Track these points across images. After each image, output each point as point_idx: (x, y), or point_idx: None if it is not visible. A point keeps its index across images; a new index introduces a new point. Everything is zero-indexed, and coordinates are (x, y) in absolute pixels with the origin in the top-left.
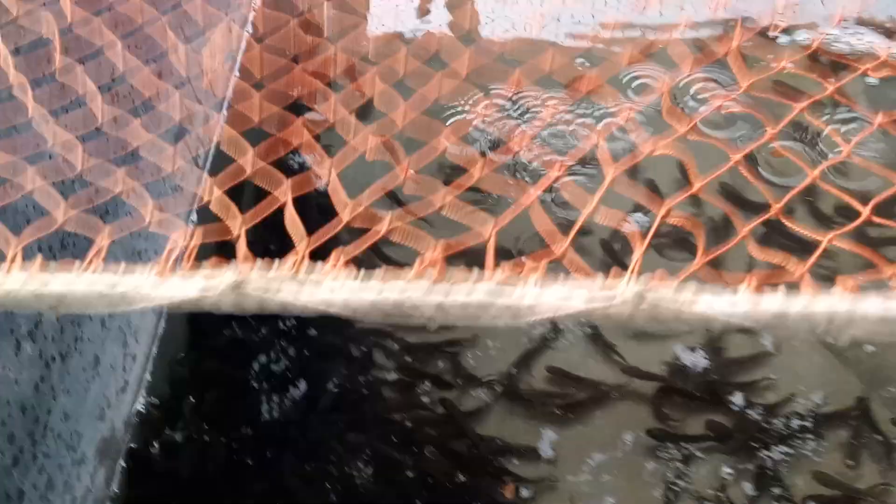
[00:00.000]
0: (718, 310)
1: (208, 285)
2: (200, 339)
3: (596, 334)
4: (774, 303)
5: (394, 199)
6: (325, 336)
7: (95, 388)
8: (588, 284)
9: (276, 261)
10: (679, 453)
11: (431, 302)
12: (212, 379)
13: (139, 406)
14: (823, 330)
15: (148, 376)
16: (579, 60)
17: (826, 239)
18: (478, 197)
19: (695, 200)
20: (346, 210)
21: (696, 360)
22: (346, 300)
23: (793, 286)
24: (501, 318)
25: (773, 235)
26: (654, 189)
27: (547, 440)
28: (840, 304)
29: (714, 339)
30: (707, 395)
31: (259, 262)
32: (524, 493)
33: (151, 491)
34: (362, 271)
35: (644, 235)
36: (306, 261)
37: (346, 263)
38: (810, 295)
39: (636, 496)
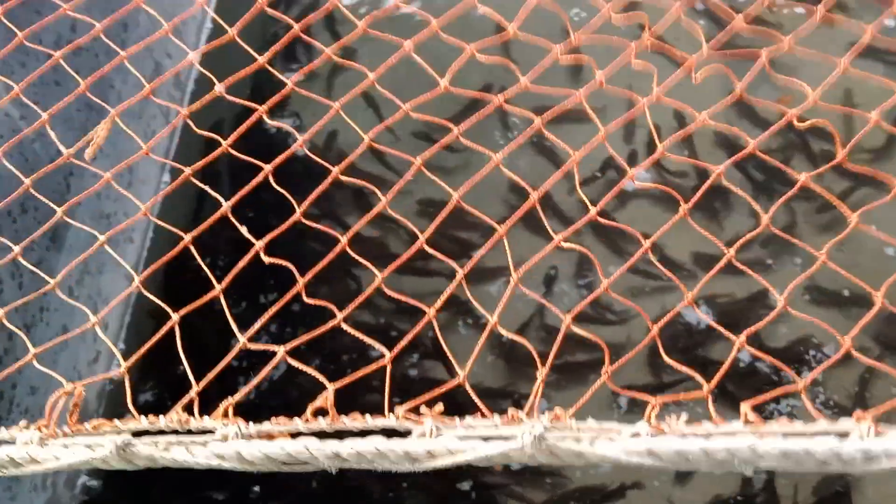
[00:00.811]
0: (619, 448)
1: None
2: (175, 304)
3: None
4: (672, 443)
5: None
6: (309, 312)
7: (64, 360)
8: (485, 428)
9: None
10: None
11: (327, 451)
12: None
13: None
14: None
15: (121, 345)
16: None
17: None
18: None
19: None
20: None
21: (699, 317)
22: (240, 452)
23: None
24: (400, 465)
25: None
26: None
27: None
28: (741, 439)
29: (718, 295)
30: (708, 351)
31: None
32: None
33: None
34: (250, 424)
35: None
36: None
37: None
38: (708, 432)
39: None
